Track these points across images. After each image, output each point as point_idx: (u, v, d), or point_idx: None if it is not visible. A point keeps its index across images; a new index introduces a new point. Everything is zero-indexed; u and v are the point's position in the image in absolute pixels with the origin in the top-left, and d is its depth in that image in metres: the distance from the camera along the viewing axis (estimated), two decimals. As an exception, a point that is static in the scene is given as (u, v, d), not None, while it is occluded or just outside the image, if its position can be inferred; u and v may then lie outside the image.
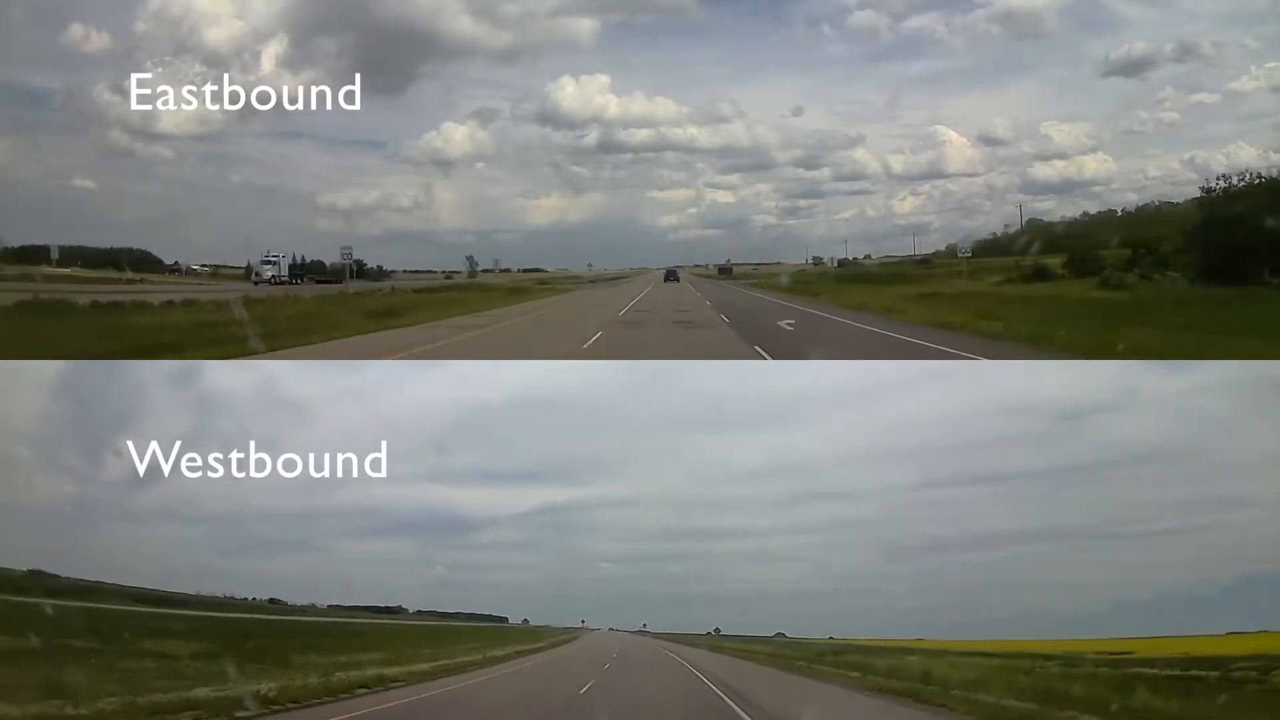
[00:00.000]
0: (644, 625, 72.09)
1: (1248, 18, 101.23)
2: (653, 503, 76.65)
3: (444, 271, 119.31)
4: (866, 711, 14.90)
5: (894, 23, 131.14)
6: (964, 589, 57.41)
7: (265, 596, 55.16)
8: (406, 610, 63.05)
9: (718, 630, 64.42)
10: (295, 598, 57.82)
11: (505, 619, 72.80)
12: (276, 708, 11.72)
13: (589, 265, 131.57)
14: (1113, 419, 45.51)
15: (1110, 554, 54.63)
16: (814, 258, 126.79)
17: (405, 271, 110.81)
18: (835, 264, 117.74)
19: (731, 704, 14.91)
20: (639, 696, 16.73)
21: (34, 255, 70.48)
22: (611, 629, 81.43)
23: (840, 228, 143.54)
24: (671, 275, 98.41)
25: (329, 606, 54.25)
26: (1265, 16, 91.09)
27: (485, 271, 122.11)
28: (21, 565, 32.39)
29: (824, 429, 67.19)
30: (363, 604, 61.59)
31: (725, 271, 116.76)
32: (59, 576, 32.25)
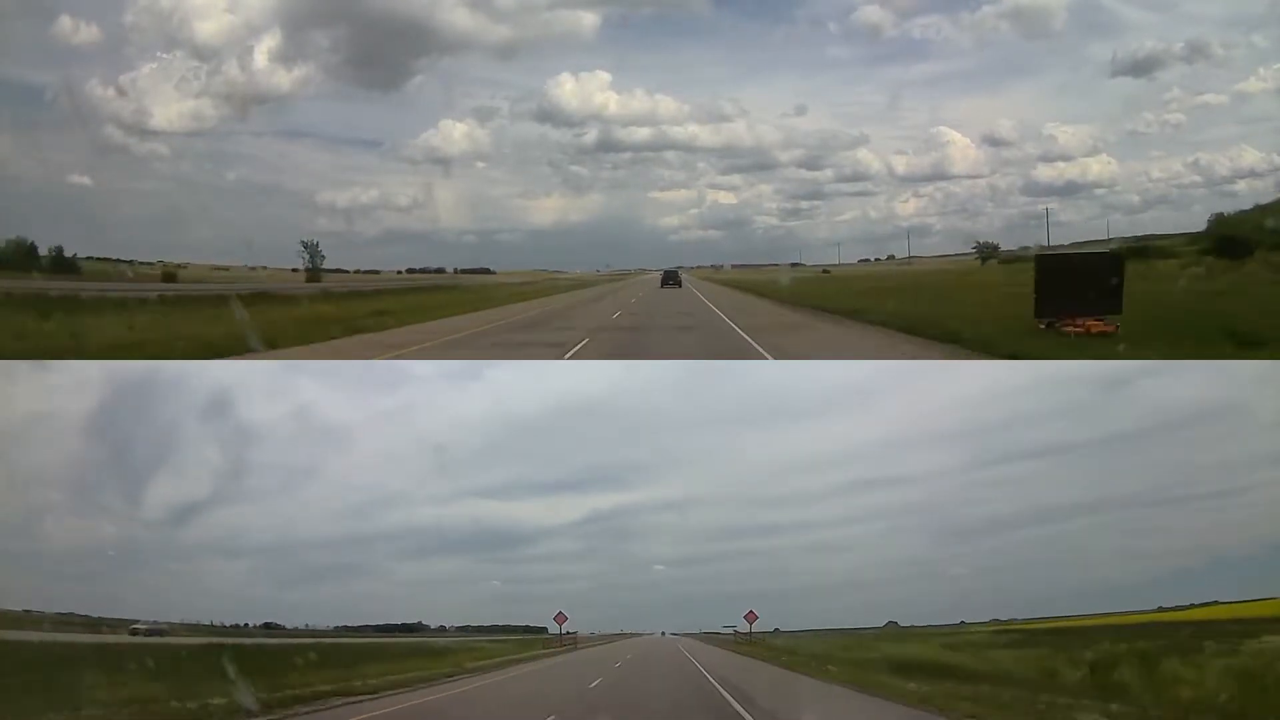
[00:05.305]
0: (733, 628, 55.14)
1: (1258, 18, 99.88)
2: (704, 503, 73.47)
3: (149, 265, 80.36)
4: None
5: (900, 20, 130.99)
6: (1025, 566, 56.25)
7: (329, 624, 54.04)
8: (428, 627, 61.97)
9: (776, 630, 58.29)
10: (351, 621, 56.79)
11: (544, 629, 70.20)
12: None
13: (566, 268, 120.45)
14: (1156, 383, 44.86)
15: (1166, 520, 53.80)
16: (981, 243, 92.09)
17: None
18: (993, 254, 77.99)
19: None
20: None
21: None
22: (665, 633, 77.87)
23: (841, 229, 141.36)
24: (671, 278, 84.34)
25: (336, 628, 53.08)
26: (1267, 19, 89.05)
27: (331, 271, 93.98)
28: (54, 608, 31.60)
29: (871, 417, 65.35)
30: (389, 623, 60.46)
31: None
32: (90, 617, 31.52)
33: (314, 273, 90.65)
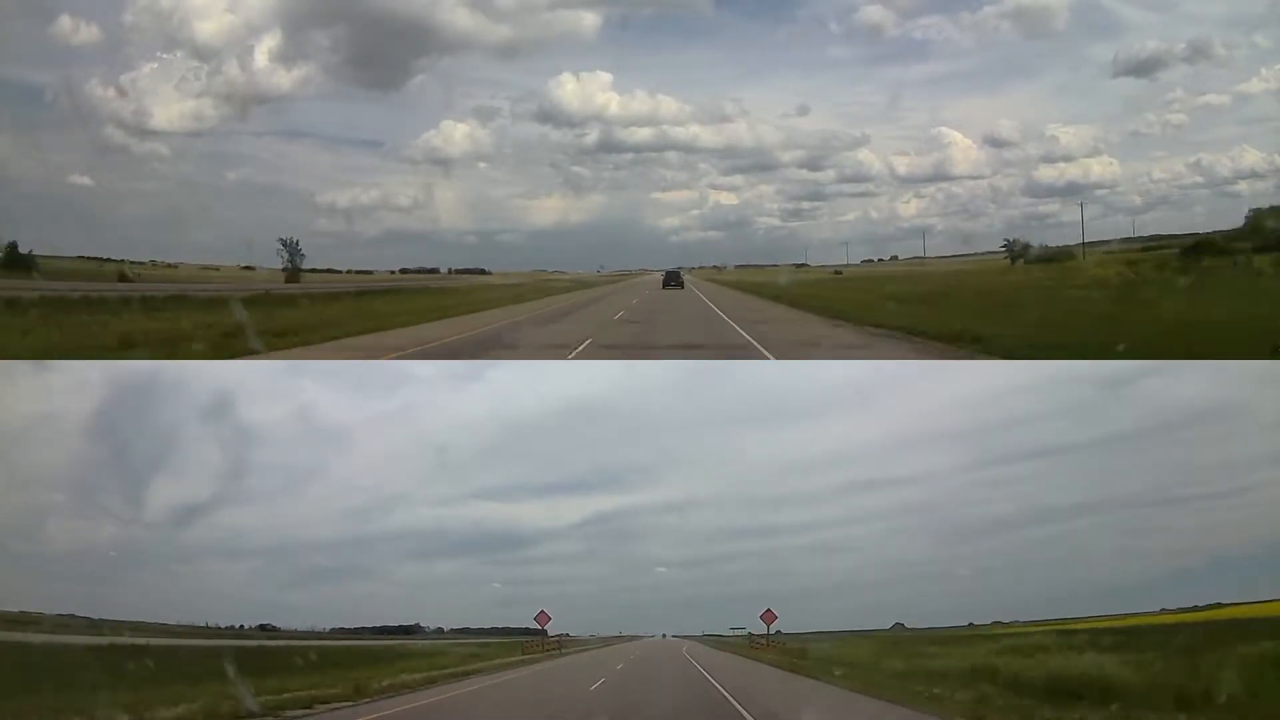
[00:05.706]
0: (745, 630, 44.66)
1: (1259, 18, 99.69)
2: (705, 504, 73.73)
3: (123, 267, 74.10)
4: None
5: (901, 20, 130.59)
6: (1026, 566, 56.57)
7: (326, 625, 53.77)
8: (426, 629, 61.96)
9: (779, 632, 55.30)
10: (350, 623, 56.76)
11: (544, 632, 69.35)
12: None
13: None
14: (1156, 383, 45.35)
15: (1167, 520, 54.18)
16: (1012, 240, 75.72)
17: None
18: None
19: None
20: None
21: None
22: (665, 636, 77.43)
23: (843, 230, 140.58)
24: (673, 279, 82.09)
25: (331, 630, 52.95)
26: (1268, 19, 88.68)
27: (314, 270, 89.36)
28: (56, 610, 31.28)
29: (872, 417, 65.75)
30: (386, 625, 60.37)
31: None
32: (90, 618, 31.27)
33: (293, 272, 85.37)
